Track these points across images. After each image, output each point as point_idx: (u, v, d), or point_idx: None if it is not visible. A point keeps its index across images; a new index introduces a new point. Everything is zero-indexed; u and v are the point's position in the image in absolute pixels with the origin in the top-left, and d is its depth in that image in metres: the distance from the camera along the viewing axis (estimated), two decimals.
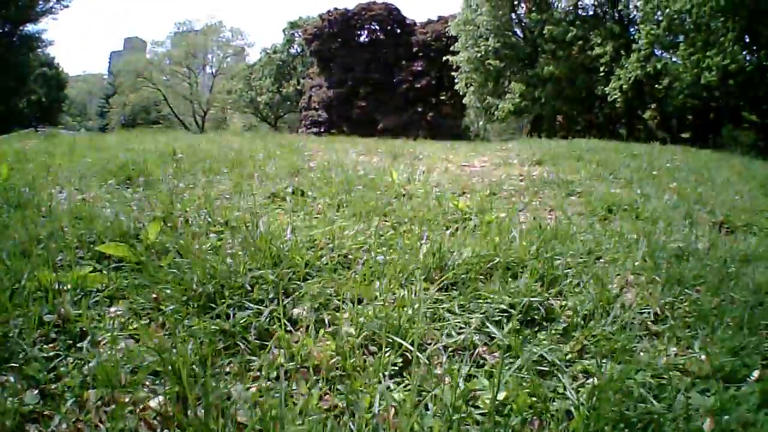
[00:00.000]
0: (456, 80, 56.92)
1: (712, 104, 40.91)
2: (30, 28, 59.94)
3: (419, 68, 74.35)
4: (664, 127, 54.45)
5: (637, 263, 5.10)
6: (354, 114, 77.51)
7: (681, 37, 38.09)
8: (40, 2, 58.43)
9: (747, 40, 36.41)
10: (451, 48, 56.76)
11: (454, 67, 55.62)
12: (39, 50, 69.59)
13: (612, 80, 44.76)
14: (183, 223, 5.63)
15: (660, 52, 40.94)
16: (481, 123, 58.91)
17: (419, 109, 73.38)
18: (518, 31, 53.94)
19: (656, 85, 41.85)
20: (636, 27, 50.24)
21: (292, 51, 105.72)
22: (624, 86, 43.86)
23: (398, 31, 79.87)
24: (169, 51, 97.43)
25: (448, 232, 5.48)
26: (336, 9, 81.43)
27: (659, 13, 38.28)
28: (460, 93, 56.66)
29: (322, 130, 78.07)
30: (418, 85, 73.86)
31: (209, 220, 5.85)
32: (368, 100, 77.30)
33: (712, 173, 11.66)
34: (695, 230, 6.35)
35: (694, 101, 40.53)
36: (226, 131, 43.19)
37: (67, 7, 59.93)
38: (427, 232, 5.35)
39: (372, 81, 77.72)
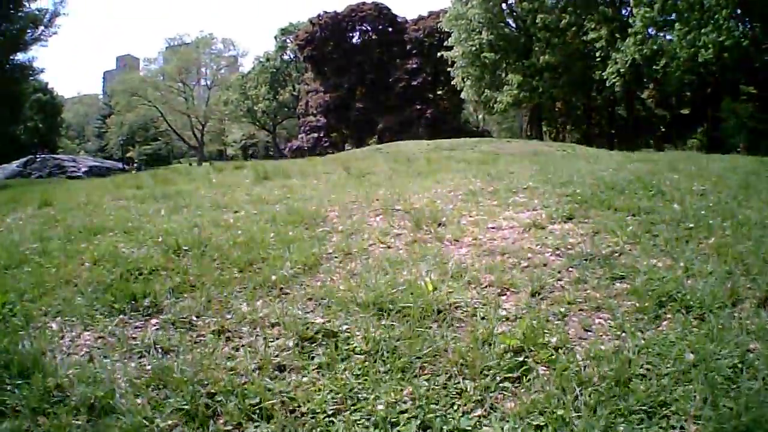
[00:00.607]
0: (452, 75, 56.62)
1: (709, 79, 40.48)
2: (21, 56, 59.15)
3: (414, 66, 74.08)
4: (663, 104, 54.30)
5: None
6: (352, 116, 77.31)
7: (674, 17, 37.93)
8: (29, 31, 57.74)
9: (740, 14, 36.27)
10: (445, 43, 56.39)
11: (450, 62, 55.25)
12: (32, 78, 68.80)
13: (609, 65, 44.51)
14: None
15: (654, 32, 40.49)
16: (480, 116, 58.49)
17: (417, 107, 72.98)
18: (511, 22, 53.65)
19: (654, 66, 41.50)
20: (629, 8, 50.24)
21: (286, 57, 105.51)
22: (621, 70, 43.63)
23: (390, 29, 79.68)
24: (162, 67, 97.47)
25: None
26: (325, 12, 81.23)
27: None
28: (457, 88, 56.40)
29: (321, 135, 78.12)
30: (415, 83, 73.63)
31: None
32: (365, 101, 77.15)
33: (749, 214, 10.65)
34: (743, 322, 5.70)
35: (692, 77, 40.25)
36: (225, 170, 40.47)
37: (55, 33, 58.73)
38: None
39: (368, 82, 77.60)
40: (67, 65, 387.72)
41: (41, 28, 57.89)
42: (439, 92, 76.38)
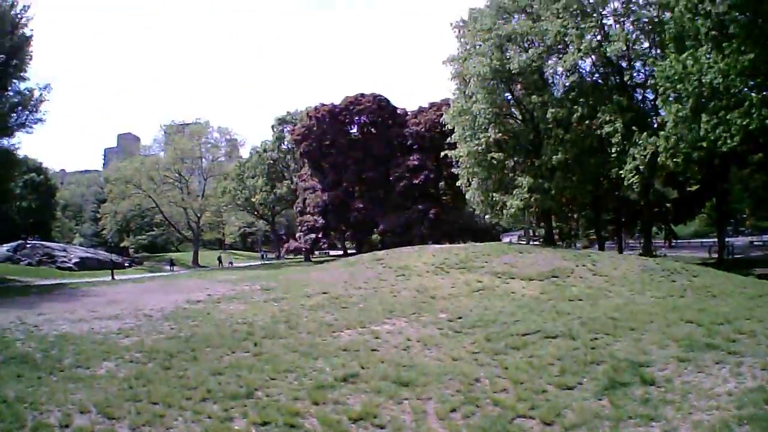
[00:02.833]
0: (456, 173, 52.78)
1: (717, 152, 36.65)
2: (5, 142, 57.07)
3: (416, 162, 70.55)
4: (671, 183, 50.92)
5: None
6: (352, 217, 73.42)
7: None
8: (12, 116, 55.36)
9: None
10: (448, 139, 52.90)
11: (454, 161, 51.48)
12: (19, 161, 66.34)
13: (627, 161, 40.77)
14: None
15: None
16: (487, 218, 54.34)
17: (420, 207, 69.06)
18: (518, 114, 50.00)
19: (675, 160, 37.79)
20: (640, 93, 46.90)
21: (283, 147, 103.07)
22: (641, 166, 39.94)
23: (390, 122, 76.51)
24: (156, 157, 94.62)
25: None
26: (323, 105, 78.53)
27: (682, 90, 34.38)
28: (462, 189, 52.44)
29: (320, 235, 74.22)
30: (417, 181, 69.78)
31: None
32: (365, 200, 73.44)
33: None
34: None
35: (701, 154, 36.58)
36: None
37: (42, 120, 57.17)
38: None
39: (367, 180, 73.98)
40: (70, 141, 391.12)
41: (26, 113, 56.01)
42: (442, 185, 72.61)
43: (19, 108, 55.83)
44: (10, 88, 55.17)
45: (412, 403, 12.07)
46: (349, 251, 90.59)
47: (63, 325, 23.48)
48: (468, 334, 18.27)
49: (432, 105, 74.92)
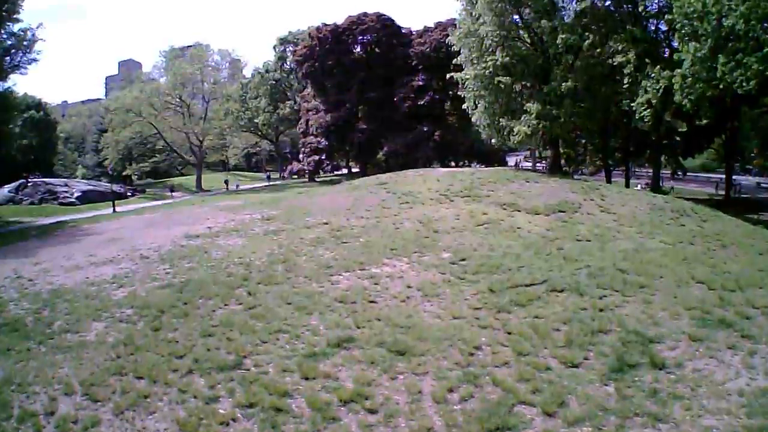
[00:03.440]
0: (463, 96, 50.98)
1: (730, 92, 35.34)
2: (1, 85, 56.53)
3: (420, 83, 68.50)
4: (681, 116, 49.66)
5: None
6: (356, 138, 71.99)
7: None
8: (7, 59, 54.44)
9: None
10: (454, 61, 50.78)
11: (460, 84, 49.64)
12: (16, 103, 65.48)
13: (639, 94, 39.33)
14: None
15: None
16: (493, 141, 52.71)
17: (425, 128, 67.42)
18: (527, 38, 47.77)
19: (689, 97, 36.22)
20: (653, 24, 44.90)
21: (286, 67, 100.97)
22: (653, 100, 38.54)
23: (394, 42, 74.02)
24: (157, 83, 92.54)
25: None
26: (325, 25, 76.00)
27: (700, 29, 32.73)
28: (468, 111, 50.70)
29: (323, 157, 73.00)
30: (422, 102, 67.85)
31: None
32: (369, 121, 71.74)
33: None
34: None
35: (715, 92, 35.25)
36: None
37: (36, 61, 56.47)
38: None
39: (371, 100, 72.02)
40: (71, 71, 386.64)
41: (20, 55, 55.24)
42: (447, 108, 70.77)
43: (13, 50, 55.22)
44: (3, 31, 54.32)
45: (407, 380, 11.44)
46: (353, 170, 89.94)
47: (57, 276, 22.94)
48: (471, 282, 17.57)
49: (438, 25, 72.18)
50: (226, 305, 16.57)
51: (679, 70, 35.25)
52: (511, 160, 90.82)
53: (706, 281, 16.80)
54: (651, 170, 69.79)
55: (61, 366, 13.09)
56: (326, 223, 29.46)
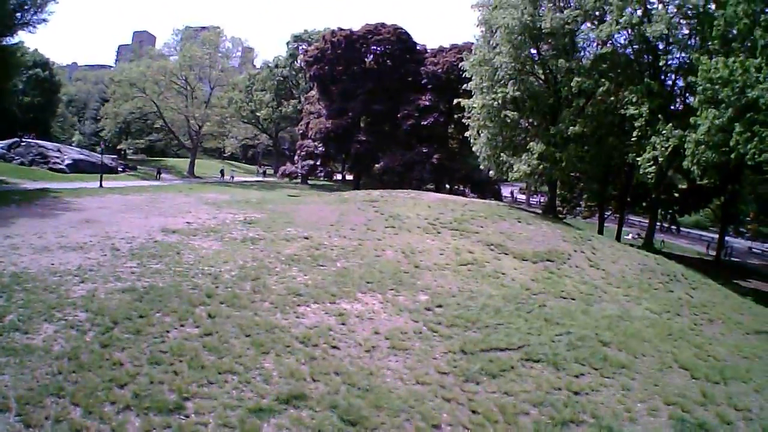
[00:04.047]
0: (467, 124, 50.25)
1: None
2: (6, 41, 55.38)
3: (427, 102, 67.57)
4: (682, 172, 49.05)
5: None
6: (353, 148, 71.01)
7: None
8: (17, 14, 53.43)
9: None
10: (464, 86, 50.06)
11: (467, 112, 48.90)
12: (21, 61, 64.39)
13: (647, 149, 38.65)
14: None
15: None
16: (491, 173, 52.02)
17: (424, 149, 66.55)
18: (540, 74, 47.11)
19: (699, 160, 35.53)
20: (670, 76, 44.29)
21: (296, 65, 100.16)
22: (660, 158, 37.87)
23: (407, 57, 73.16)
24: (165, 61, 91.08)
25: None
26: (340, 29, 75.11)
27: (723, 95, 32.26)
28: (470, 140, 49.99)
29: (318, 162, 72.00)
30: (425, 122, 66.98)
31: None
32: (369, 134, 70.78)
33: None
34: None
35: (721, 159, 34.60)
36: None
37: (45, 21, 55.79)
38: None
39: (375, 113, 71.12)
40: (84, 34, 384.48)
41: (31, 12, 54.28)
42: (451, 131, 69.85)
43: (27, 6, 54.11)
44: None
45: None
46: (347, 178, 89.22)
47: (24, 258, 21.77)
48: (444, 338, 16.71)
49: (453, 47, 71.42)
50: (182, 326, 15.57)
51: (694, 135, 34.52)
52: (506, 191, 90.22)
53: (690, 367, 16.38)
54: (643, 221, 69.65)
55: (2, 372, 12.12)
56: (306, 238, 28.61)
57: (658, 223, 62.40)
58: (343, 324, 16.89)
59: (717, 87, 32.58)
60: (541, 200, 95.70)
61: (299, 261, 24.07)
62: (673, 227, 69.19)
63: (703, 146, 33.85)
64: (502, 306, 20.46)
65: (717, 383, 15.50)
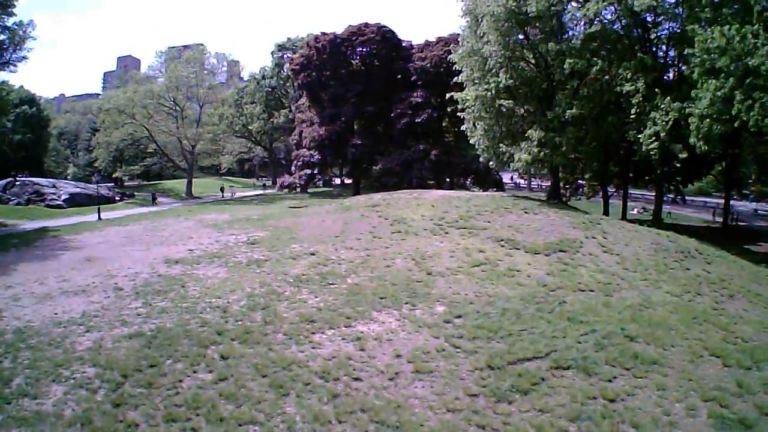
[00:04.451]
0: (462, 116, 49.37)
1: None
2: None
3: (419, 99, 66.60)
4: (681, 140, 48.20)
5: None
6: (349, 153, 70.18)
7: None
8: None
9: None
10: (455, 79, 49.18)
11: (460, 105, 48.05)
12: (5, 102, 63.58)
13: (648, 126, 37.81)
14: None
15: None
16: (491, 164, 51.28)
17: (421, 147, 65.63)
18: (531, 59, 46.12)
19: (702, 130, 34.62)
20: (661, 49, 43.36)
21: (283, 74, 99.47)
22: (662, 133, 37.00)
23: (394, 55, 72.27)
24: (151, 85, 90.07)
25: None
26: (324, 34, 74.15)
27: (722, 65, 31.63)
28: (467, 133, 49.12)
29: (315, 171, 71.17)
30: (419, 120, 66.05)
31: None
32: (364, 137, 69.93)
33: None
34: None
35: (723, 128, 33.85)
36: None
37: (25, 58, 55.25)
38: None
39: (367, 115, 70.26)
40: (69, 63, 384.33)
41: (10, 52, 53.47)
42: (445, 124, 68.97)
43: (5, 46, 53.31)
44: None
45: None
46: (346, 182, 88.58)
47: (26, 309, 21.19)
48: (468, 353, 16.06)
49: (439, 40, 70.50)
50: (195, 372, 14.93)
51: (696, 110, 33.65)
52: (506, 176, 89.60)
53: (721, 354, 15.94)
54: (646, 193, 69.07)
55: None
56: (313, 254, 28.04)
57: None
58: (362, 350, 16.26)
59: (714, 56, 31.77)
60: (541, 183, 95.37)
61: (308, 281, 23.47)
62: (678, 198, 68.57)
63: (707, 119, 32.99)
64: (522, 309, 19.82)
65: (749, 369, 15.09)
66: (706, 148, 35.45)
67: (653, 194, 52.61)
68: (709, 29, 32.54)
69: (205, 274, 25.61)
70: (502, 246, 28.68)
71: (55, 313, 20.45)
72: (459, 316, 18.93)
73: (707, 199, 77.94)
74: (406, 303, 20.33)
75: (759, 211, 72.62)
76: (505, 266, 25.39)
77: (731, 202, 64.21)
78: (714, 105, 32.20)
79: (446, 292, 21.77)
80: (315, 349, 16.35)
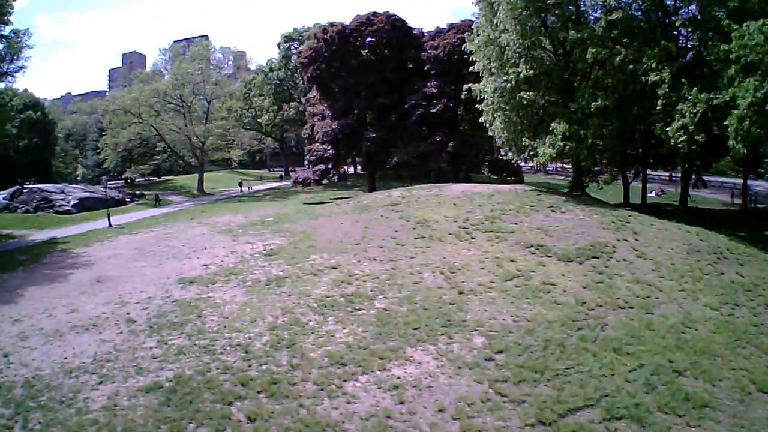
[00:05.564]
0: (480, 109, 47.35)
1: None
2: None
3: (433, 89, 64.47)
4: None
5: None
6: (364, 147, 68.46)
7: None
8: None
9: None
10: (470, 69, 47.33)
11: (478, 97, 46.29)
12: (7, 112, 62.54)
13: (676, 118, 35.93)
14: None
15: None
16: (511, 156, 49.61)
17: (437, 138, 63.64)
18: (550, 48, 44.14)
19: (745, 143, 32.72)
20: (682, 35, 41.26)
21: (291, 65, 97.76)
22: (691, 127, 35.17)
23: (405, 43, 70.06)
24: (156, 84, 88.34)
25: None
26: (332, 25, 72.05)
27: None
28: (486, 125, 47.19)
29: (330, 166, 69.41)
30: (434, 110, 64.06)
31: None
32: (378, 129, 68.01)
33: None
34: None
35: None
36: None
37: (23, 68, 53.95)
38: None
39: (380, 106, 68.32)
40: (75, 61, 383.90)
41: (7, 62, 52.38)
42: (461, 113, 66.86)
43: (2, 56, 52.11)
44: None
45: None
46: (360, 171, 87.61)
47: (34, 351, 19.89)
48: (515, 403, 14.66)
49: (451, 27, 67.91)
50: None
51: (735, 111, 31.63)
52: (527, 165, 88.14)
53: None
54: (662, 174, 67.73)
55: None
56: (334, 268, 26.68)
57: (677, 176, 60.70)
58: (401, 403, 14.93)
59: (759, 55, 29.81)
60: (557, 166, 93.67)
61: (333, 306, 22.17)
62: (698, 183, 67.37)
63: (746, 121, 31.01)
64: (565, 338, 18.53)
65: None
66: (746, 151, 33.71)
67: (668, 175, 51.47)
68: (745, 25, 30.51)
69: (222, 297, 24.31)
70: (533, 253, 27.46)
71: (65, 358, 19.18)
72: (500, 351, 17.59)
73: (724, 179, 76.42)
74: (442, 334, 18.96)
75: None
76: (539, 279, 24.10)
77: (749, 182, 63.35)
78: (755, 106, 30.24)
79: (482, 316, 20.42)
80: (350, 405, 15.01)
